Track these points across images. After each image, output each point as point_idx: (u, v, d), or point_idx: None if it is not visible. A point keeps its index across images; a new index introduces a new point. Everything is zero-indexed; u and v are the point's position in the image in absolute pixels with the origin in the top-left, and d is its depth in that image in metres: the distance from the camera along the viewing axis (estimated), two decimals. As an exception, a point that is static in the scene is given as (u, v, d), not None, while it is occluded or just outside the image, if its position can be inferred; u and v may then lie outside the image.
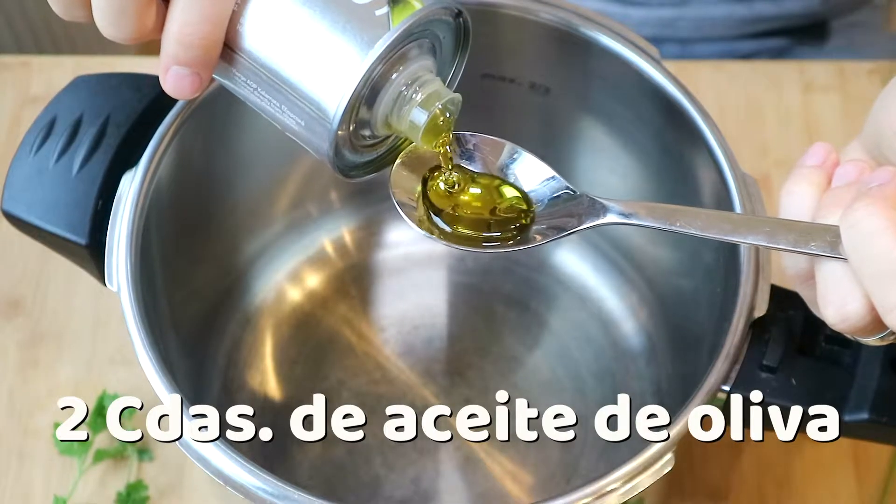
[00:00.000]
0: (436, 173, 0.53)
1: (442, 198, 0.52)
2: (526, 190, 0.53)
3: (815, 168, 0.49)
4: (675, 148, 0.65)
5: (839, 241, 0.45)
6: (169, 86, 0.49)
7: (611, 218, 0.50)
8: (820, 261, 0.47)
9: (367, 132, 0.50)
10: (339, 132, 0.48)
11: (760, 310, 0.57)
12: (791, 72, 0.85)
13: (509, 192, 0.53)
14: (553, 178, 0.52)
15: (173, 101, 0.62)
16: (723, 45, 0.90)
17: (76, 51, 1.15)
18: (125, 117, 0.62)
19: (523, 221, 0.52)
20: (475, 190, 0.53)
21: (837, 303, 0.46)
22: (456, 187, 0.53)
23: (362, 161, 0.52)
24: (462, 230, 0.52)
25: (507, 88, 0.70)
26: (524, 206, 0.52)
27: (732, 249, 0.59)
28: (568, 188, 0.52)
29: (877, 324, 0.45)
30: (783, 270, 0.50)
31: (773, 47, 0.91)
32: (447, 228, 0.52)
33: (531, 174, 0.53)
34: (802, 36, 0.91)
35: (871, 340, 0.47)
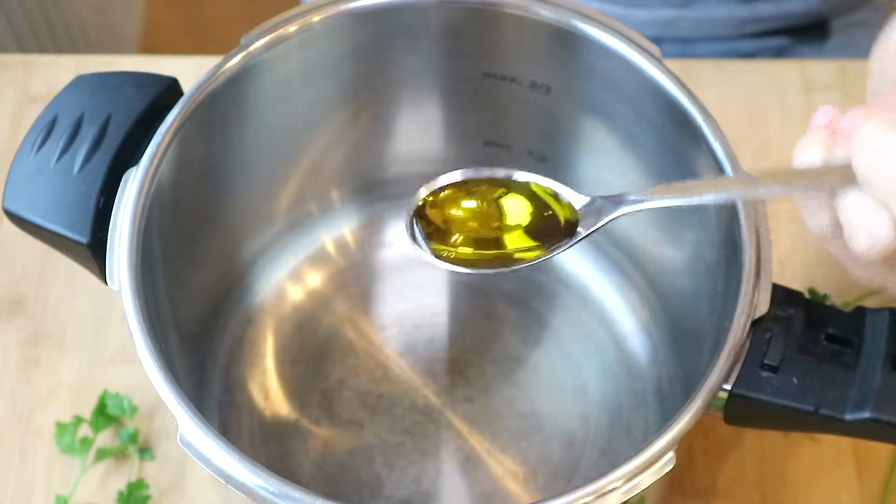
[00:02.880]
0: (441, 195, 0.53)
1: (454, 222, 0.53)
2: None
3: (825, 128, 0.51)
4: (676, 147, 0.65)
5: (853, 175, 0.47)
6: None
7: (625, 208, 0.51)
8: (839, 199, 0.48)
9: None
10: None
11: (762, 309, 0.57)
12: (792, 71, 0.85)
13: (511, 206, 0.53)
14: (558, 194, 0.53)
15: (174, 101, 0.62)
16: (724, 45, 0.90)
17: (77, 50, 1.15)
18: (126, 116, 0.62)
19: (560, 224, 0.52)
20: (469, 203, 0.54)
21: (865, 227, 0.47)
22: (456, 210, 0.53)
23: None
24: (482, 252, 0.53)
25: (507, 88, 0.69)
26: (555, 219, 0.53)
27: (734, 248, 0.59)
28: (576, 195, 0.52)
29: None
30: (808, 233, 0.51)
31: (773, 47, 0.91)
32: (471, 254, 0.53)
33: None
34: (803, 35, 0.91)
35: None
